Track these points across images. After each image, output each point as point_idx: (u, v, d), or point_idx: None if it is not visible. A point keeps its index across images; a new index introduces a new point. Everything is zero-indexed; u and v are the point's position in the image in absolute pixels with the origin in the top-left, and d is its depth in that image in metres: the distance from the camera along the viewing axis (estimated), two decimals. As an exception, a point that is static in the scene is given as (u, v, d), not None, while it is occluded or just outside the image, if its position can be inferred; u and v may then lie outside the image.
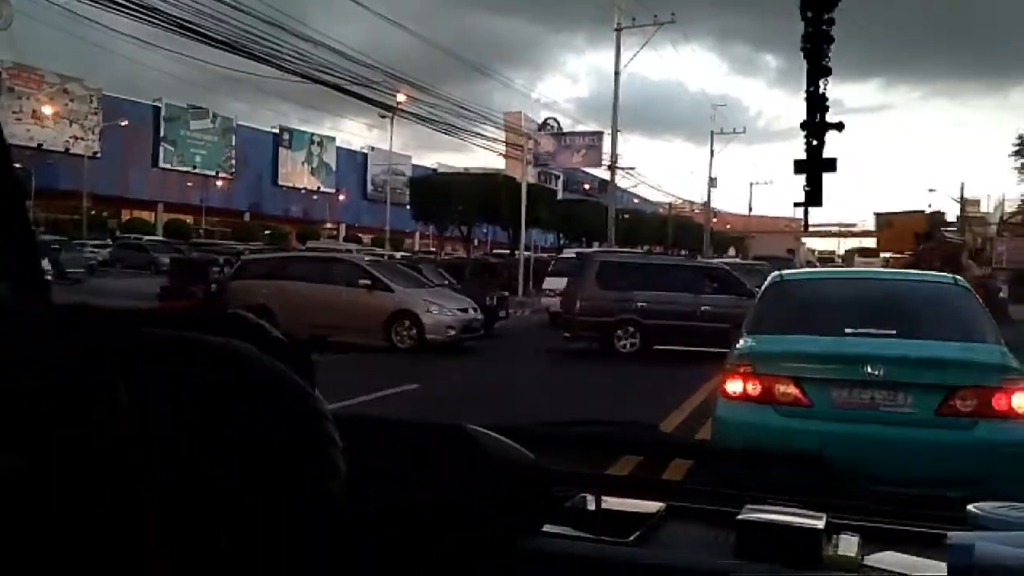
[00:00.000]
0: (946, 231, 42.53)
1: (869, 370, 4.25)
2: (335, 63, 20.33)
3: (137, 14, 14.78)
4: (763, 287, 5.50)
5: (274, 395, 0.59)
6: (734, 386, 4.52)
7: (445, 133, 26.35)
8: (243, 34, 17.29)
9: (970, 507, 0.99)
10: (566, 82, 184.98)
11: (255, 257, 18.62)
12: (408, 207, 39.82)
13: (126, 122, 46.97)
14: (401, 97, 25.77)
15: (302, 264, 15.29)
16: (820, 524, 1.01)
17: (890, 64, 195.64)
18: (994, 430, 4.09)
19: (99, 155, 48.11)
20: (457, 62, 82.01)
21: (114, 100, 49.03)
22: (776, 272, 5.63)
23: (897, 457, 4.02)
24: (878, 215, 54.46)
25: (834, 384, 4.35)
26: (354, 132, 73.05)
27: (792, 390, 4.38)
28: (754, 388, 4.45)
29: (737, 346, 4.82)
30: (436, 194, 33.69)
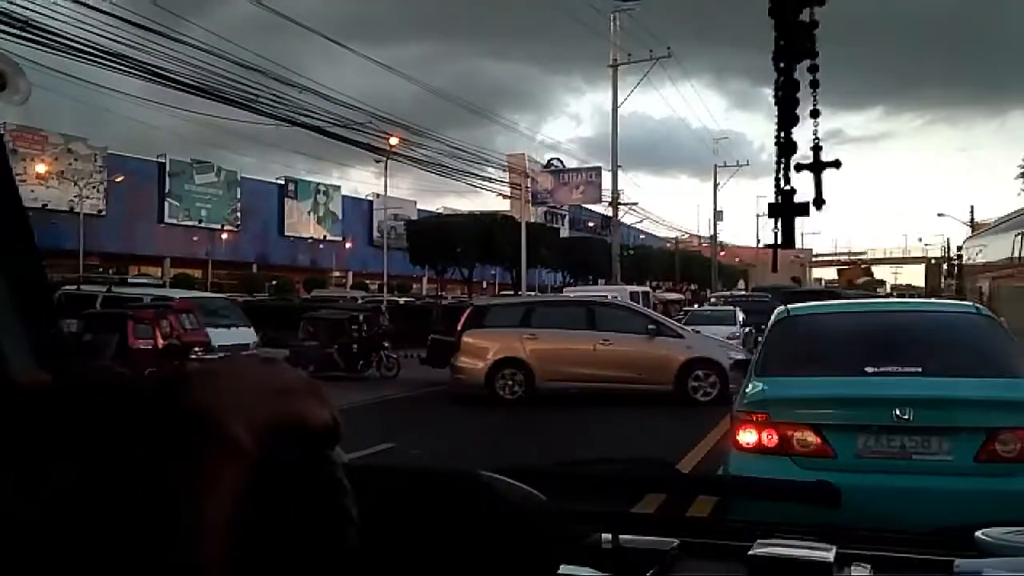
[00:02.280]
0: (860, 280, 70.89)
1: (898, 414, 3.79)
2: (335, 112, 20.33)
3: (141, 74, 14.78)
4: (769, 323, 5.07)
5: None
6: (747, 436, 4.06)
7: (443, 176, 26.25)
8: (242, 87, 17.29)
9: (978, 533, 0.98)
10: (571, 123, 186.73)
11: (494, 302, 15.57)
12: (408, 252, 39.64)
13: (121, 177, 47.18)
14: (394, 141, 25.66)
15: (559, 309, 13.49)
16: (830, 556, 1.00)
17: (889, 93, 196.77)
18: None
19: (103, 213, 48.31)
20: (463, 108, 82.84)
21: (119, 158, 49.45)
22: (782, 306, 5.19)
23: (932, 511, 3.56)
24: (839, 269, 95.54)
25: (859, 431, 3.89)
26: (361, 180, 73.45)
27: (812, 439, 3.92)
28: (770, 438, 3.99)
29: (746, 391, 4.37)
30: (433, 237, 33.40)
